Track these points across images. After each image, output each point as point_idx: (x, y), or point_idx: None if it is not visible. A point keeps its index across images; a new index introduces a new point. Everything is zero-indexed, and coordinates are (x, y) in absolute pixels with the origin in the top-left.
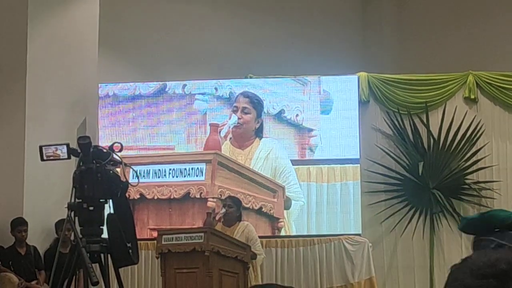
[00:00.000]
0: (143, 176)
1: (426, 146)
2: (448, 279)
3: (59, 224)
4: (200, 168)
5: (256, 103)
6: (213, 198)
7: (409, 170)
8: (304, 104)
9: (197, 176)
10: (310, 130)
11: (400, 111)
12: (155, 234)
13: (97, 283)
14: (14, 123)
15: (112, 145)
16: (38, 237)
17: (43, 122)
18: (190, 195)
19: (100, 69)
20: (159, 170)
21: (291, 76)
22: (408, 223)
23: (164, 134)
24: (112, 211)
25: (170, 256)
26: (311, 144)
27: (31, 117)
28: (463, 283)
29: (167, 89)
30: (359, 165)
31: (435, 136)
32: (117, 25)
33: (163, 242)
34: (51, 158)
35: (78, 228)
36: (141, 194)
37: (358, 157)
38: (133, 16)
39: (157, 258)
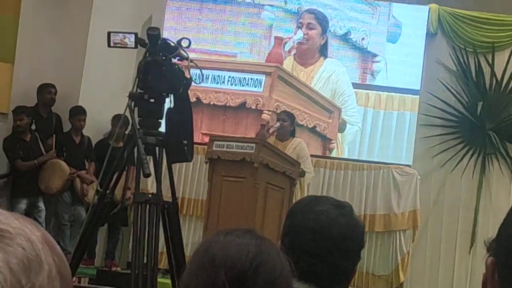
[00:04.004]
0: (200, 80)
1: (487, 86)
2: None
3: (115, 118)
4: (260, 79)
5: (321, 19)
6: (268, 110)
7: (467, 108)
8: (371, 28)
9: (255, 87)
10: (374, 55)
11: (467, 48)
12: (206, 139)
13: (149, 175)
14: (81, 12)
15: (180, 40)
16: (91, 128)
17: (109, 14)
18: (246, 105)
19: None
20: (218, 76)
21: None
22: (460, 161)
23: (227, 41)
24: (172, 106)
25: (219, 162)
26: (373, 69)
27: (98, 8)
28: None
29: None
30: (418, 96)
31: (498, 77)
32: None
33: (213, 148)
34: (118, 45)
35: (136, 119)
36: (198, 98)
37: (419, 88)
38: None
39: (206, 163)
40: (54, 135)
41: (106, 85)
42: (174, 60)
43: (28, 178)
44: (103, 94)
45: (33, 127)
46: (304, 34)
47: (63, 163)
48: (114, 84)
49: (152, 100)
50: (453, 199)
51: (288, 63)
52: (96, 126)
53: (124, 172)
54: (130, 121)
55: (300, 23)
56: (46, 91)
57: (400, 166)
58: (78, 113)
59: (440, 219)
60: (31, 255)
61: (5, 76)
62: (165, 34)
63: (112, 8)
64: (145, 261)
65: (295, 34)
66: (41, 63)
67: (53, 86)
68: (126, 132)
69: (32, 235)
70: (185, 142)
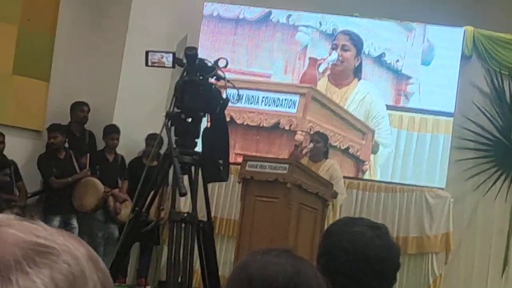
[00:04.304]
0: (236, 99)
1: None
2: None
3: (150, 137)
4: (293, 100)
5: (356, 40)
6: (302, 131)
7: (501, 132)
8: (406, 50)
9: (289, 107)
10: (408, 77)
11: (502, 71)
12: (240, 159)
13: (184, 194)
14: (116, 30)
15: (218, 60)
16: (124, 147)
17: (145, 33)
18: (280, 125)
19: None
20: (252, 96)
21: (396, 20)
22: (493, 184)
23: (262, 62)
24: (208, 126)
25: (252, 182)
26: (407, 92)
27: (134, 27)
28: None
29: (271, 17)
30: (452, 119)
31: None
32: None
33: (247, 168)
34: (156, 64)
35: (173, 138)
36: (231, 118)
37: (453, 111)
38: None
39: (239, 183)
40: (88, 154)
41: (140, 104)
42: (211, 80)
43: (61, 196)
44: (137, 113)
45: (66, 145)
46: (339, 56)
47: (97, 181)
48: (148, 103)
49: (189, 120)
50: (486, 222)
51: (322, 84)
52: (129, 145)
53: (159, 191)
54: (167, 140)
55: (335, 44)
56: (78, 109)
57: (433, 189)
58: (112, 131)
59: (472, 242)
60: (76, 272)
61: (40, 94)
62: (200, 54)
63: (148, 27)
64: (179, 280)
65: (329, 55)
66: (76, 81)
67: (86, 104)
68: (161, 151)
69: (77, 252)
70: (221, 161)
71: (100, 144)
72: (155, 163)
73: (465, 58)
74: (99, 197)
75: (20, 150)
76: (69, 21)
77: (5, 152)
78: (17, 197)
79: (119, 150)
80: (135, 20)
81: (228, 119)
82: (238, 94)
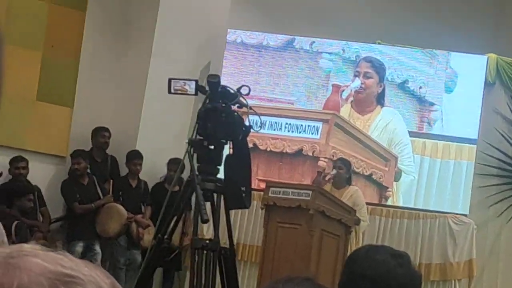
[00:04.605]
0: (259, 126)
1: None
2: None
3: (171, 162)
4: (317, 126)
5: (378, 67)
6: (325, 158)
7: None
8: (429, 77)
9: (312, 134)
10: (432, 104)
11: None
12: (263, 185)
13: (207, 221)
14: (140, 57)
15: (240, 87)
16: (147, 172)
17: (168, 60)
18: (303, 151)
19: (231, 15)
20: (275, 122)
21: (419, 47)
22: None
23: (285, 88)
24: (231, 153)
25: (274, 209)
26: (430, 118)
27: (157, 53)
28: None
29: (294, 44)
30: (475, 146)
31: None
32: None
33: (269, 194)
34: (179, 92)
35: (195, 165)
36: (254, 144)
37: (476, 137)
38: None
39: (262, 209)
40: (111, 179)
41: (163, 130)
42: (234, 107)
43: (84, 221)
44: (160, 139)
45: (89, 170)
46: (362, 83)
47: (121, 207)
48: (171, 129)
49: (211, 147)
50: (510, 249)
51: (345, 111)
52: (152, 171)
53: (182, 217)
54: (189, 167)
55: (358, 71)
56: (99, 135)
57: (457, 215)
58: (134, 157)
59: (496, 269)
60: None
61: (64, 120)
62: (223, 80)
63: (171, 53)
64: None
65: (352, 82)
66: (100, 107)
67: (107, 129)
68: (183, 176)
69: (102, 282)
70: (243, 188)
71: (123, 170)
72: (177, 188)
73: (488, 85)
74: (122, 223)
75: (44, 175)
76: (92, 48)
77: (28, 178)
78: (40, 222)
79: (142, 176)
80: (158, 46)
81: (251, 145)
82: (260, 121)
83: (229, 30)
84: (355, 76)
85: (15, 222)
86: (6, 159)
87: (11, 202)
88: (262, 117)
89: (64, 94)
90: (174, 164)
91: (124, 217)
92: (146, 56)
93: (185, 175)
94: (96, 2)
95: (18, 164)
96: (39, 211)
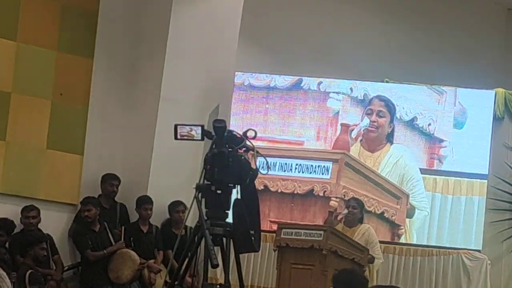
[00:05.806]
0: (266, 169)
1: None
2: None
3: (172, 206)
4: (327, 166)
5: (391, 107)
6: (336, 197)
7: None
8: (437, 114)
9: (322, 174)
10: (441, 140)
11: None
12: (275, 226)
13: (217, 265)
14: (148, 103)
15: (246, 131)
16: (158, 217)
17: (176, 104)
18: (314, 192)
19: (238, 58)
20: (285, 163)
21: (427, 84)
22: None
23: (294, 129)
24: (239, 197)
25: (287, 250)
26: (440, 155)
27: (166, 98)
28: None
29: (302, 84)
30: (486, 181)
31: None
32: (259, 17)
33: (282, 236)
34: (185, 137)
35: (203, 210)
36: (265, 186)
37: (487, 173)
38: (276, 10)
39: (275, 251)
40: (123, 227)
41: (174, 175)
42: (240, 151)
43: (97, 268)
44: (171, 183)
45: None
46: (373, 121)
47: (133, 253)
48: (182, 174)
49: (219, 192)
50: None
51: (355, 150)
52: (163, 216)
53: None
54: (198, 212)
55: (370, 109)
56: (108, 183)
57: (470, 251)
58: (144, 202)
59: None
60: None
61: (74, 167)
62: (232, 122)
63: (180, 98)
64: None
65: (361, 120)
66: (110, 153)
67: (116, 177)
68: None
69: None
70: (252, 232)
71: (133, 215)
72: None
73: (497, 119)
74: (135, 269)
75: (55, 223)
76: (101, 94)
77: (40, 226)
78: (54, 271)
79: (153, 221)
80: (166, 91)
81: (262, 187)
82: (267, 163)
83: (236, 72)
84: (367, 114)
85: (29, 271)
86: (18, 208)
87: (25, 251)
88: (272, 159)
89: (74, 141)
90: (175, 206)
91: (136, 263)
92: (155, 101)
93: (193, 219)
94: (104, 49)
95: (28, 214)
96: (52, 259)
